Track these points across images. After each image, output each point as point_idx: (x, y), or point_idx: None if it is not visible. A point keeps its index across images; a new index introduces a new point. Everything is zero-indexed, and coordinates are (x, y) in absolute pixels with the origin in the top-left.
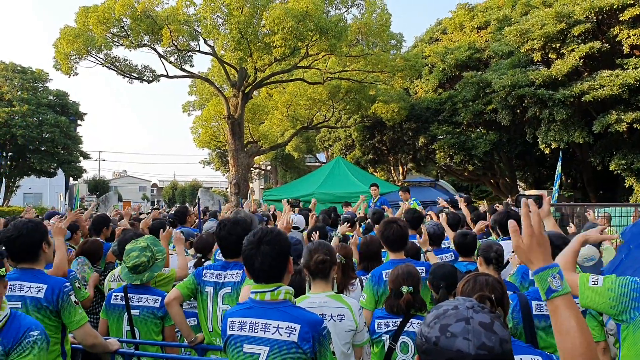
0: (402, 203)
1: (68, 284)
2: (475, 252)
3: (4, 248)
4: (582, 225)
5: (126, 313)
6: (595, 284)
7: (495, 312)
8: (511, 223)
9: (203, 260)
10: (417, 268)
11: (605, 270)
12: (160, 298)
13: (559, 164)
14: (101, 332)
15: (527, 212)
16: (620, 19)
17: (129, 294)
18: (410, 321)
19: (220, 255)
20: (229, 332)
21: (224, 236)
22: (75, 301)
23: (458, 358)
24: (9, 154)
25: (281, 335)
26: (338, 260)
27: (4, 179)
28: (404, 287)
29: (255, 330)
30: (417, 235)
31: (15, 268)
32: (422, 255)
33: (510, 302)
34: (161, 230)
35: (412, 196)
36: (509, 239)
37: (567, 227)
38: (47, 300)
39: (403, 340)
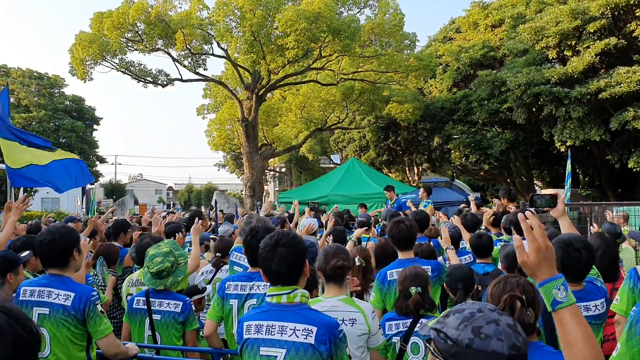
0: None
1: (95, 293)
2: (493, 253)
3: (28, 253)
4: (601, 225)
5: (148, 318)
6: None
7: (527, 313)
8: (516, 238)
9: (221, 259)
10: (424, 267)
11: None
12: (181, 303)
13: (569, 162)
14: (124, 337)
15: (528, 228)
16: (637, 14)
17: (150, 299)
18: (420, 322)
19: (234, 256)
20: (245, 336)
21: (255, 244)
22: (101, 311)
23: (493, 359)
24: None
25: (298, 337)
26: (358, 264)
27: None
28: (412, 287)
29: (272, 333)
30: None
31: (44, 274)
32: (444, 254)
33: None
34: (177, 234)
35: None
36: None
37: (591, 227)
38: (74, 308)
39: (414, 341)
